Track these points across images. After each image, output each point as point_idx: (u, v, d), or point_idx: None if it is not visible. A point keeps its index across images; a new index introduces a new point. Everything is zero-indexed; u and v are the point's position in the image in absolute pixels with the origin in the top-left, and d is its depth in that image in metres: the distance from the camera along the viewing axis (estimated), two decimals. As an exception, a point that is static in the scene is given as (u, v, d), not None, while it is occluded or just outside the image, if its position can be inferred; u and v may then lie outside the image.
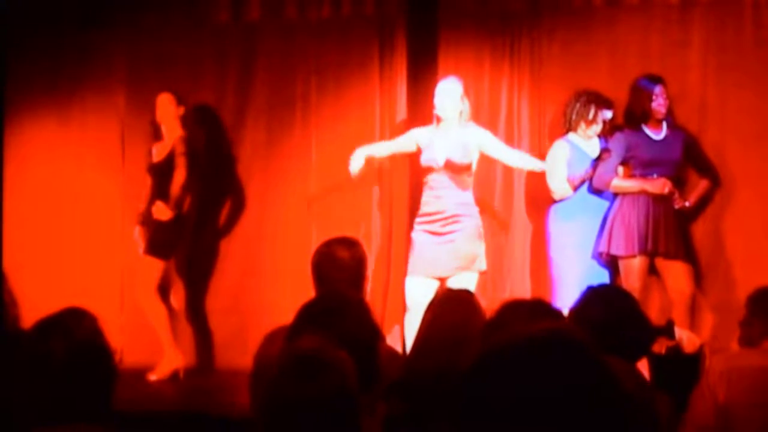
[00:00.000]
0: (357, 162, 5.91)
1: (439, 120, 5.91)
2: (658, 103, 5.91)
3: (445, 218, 5.81)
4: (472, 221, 5.86)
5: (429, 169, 5.87)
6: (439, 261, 5.77)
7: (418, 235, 5.84)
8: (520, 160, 6.04)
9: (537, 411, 1.33)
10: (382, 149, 6.16)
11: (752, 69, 6.08)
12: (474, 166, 5.94)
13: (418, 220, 5.89)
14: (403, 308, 5.92)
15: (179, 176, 6.40)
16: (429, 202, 5.86)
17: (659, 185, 5.86)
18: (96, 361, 2.34)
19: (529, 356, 1.37)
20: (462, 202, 5.87)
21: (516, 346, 1.39)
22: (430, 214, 5.83)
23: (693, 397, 2.95)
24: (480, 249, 5.87)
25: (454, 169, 5.84)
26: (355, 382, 2.14)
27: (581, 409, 1.34)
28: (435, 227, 5.81)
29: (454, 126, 5.89)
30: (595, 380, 1.37)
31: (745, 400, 2.67)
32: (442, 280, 5.78)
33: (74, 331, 2.33)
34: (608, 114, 6.04)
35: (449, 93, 5.88)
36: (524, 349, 1.38)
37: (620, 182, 5.95)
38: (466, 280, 5.64)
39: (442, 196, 5.84)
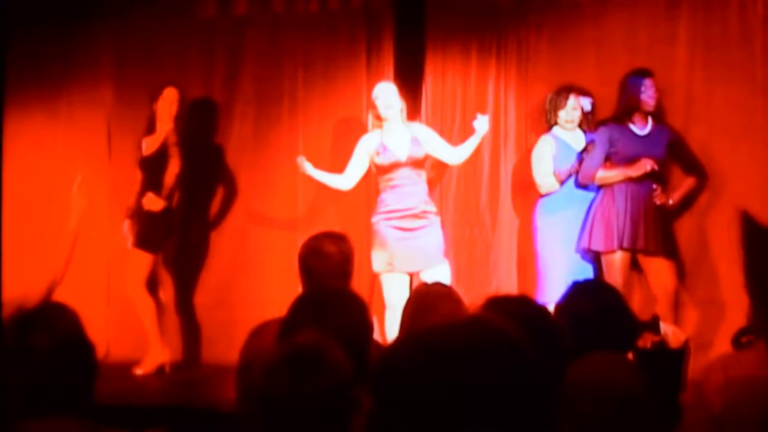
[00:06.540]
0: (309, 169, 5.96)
1: (380, 120, 5.93)
2: (648, 95, 5.92)
3: (415, 214, 5.83)
4: (436, 216, 5.94)
5: (391, 168, 5.86)
6: (415, 256, 5.79)
7: (388, 231, 5.82)
8: (460, 155, 6.07)
9: (451, 410, 1.28)
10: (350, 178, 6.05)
11: (739, 65, 6.09)
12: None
13: (383, 216, 5.86)
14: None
15: (174, 166, 6.39)
16: (396, 199, 5.84)
17: (641, 165, 5.85)
18: (77, 355, 2.34)
19: (443, 354, 1.32)
20: (427, 198, 5.94)
21: (430, 343, 1.34)
22: (398, 211, 5.82)
23: (686, 408, 2.89)
24: (442, 240, 5.94)
25: (416, 163, 5.89)
26: (350, 379, 2.13)
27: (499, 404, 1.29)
28: (405, 223, 5.81)
29: (397, 124, 5.93)
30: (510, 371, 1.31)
31: (744, 413, 2.61)
32: (412, 274, 5.82)
33: (55, 325, 2.33)
34: (585, 102, 6.05)
35: (393, 92, 5.95)
36: (437, 348, 1.32)
37: (604, 173, 5.94)
38: (441, 273, 5.67)
39: (410, 192, 5.86)
